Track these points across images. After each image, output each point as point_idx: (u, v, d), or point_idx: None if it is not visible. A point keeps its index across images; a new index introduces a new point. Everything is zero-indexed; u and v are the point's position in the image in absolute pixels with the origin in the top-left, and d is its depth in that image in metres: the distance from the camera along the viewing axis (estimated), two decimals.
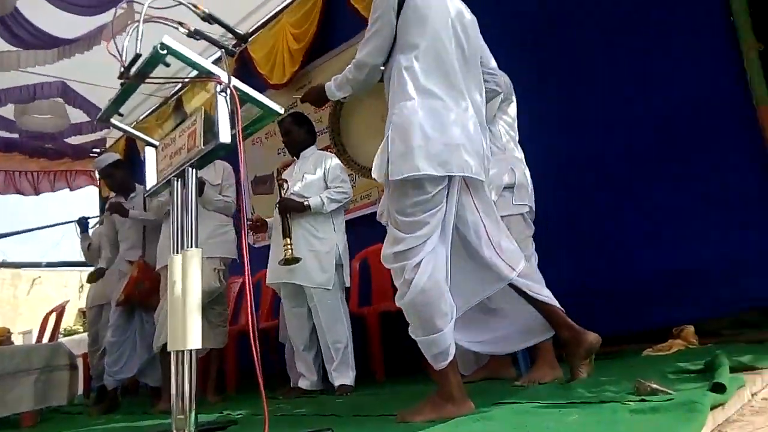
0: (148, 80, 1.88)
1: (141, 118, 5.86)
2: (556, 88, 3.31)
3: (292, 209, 3.18)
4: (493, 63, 2.25)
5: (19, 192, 6.81)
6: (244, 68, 5.11)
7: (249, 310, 1.74)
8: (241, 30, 5.40)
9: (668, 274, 2.83)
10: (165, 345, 3.49)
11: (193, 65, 1.80)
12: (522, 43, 3.35)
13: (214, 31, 2.22)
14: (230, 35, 2.18)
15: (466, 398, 1.82)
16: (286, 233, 3.13)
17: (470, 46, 2.06)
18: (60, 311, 5.13)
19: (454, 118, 1.89)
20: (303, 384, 3.24)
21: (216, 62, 1.92)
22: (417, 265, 1.82)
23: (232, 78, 1.84)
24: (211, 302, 3.44)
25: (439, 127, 1.86)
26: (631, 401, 1.55)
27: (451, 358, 1.83)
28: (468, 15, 2.13)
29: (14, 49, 4.59)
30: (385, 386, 3.12)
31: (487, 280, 2.01)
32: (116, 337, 3.74)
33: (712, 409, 1.39)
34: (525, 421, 1.49)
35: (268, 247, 3.47)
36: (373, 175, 1.96)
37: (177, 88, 5.48)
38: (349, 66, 2.08)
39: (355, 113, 2.09)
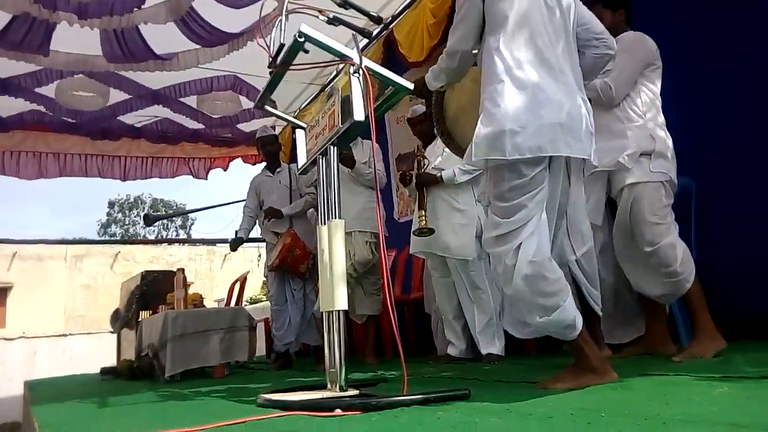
0: (292, 67, 2.07)
1: (303, 106, 6.33)
2: (710, 59, 3.05)
3: (427, 182, 3.26)
4: (601, 27, 2.09)
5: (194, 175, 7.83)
6: (390, 51, 5.26)
7: (385, 281, 1.86)
8: (387, 13, 5.56)
9: None
10: None
11: (328, 50, 1.92)
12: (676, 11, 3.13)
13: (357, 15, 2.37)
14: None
15: (609, 368, 1.76)
16: (422, 205, 3.23)
17: (564, 19, 1.94)
18: (242, 281, 5.82)
19: (549, 97, 1.79)
20: (452, 351, 3.34)
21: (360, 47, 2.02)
22: (517, 249, 1.76)
23: (364, 58, 1.95)
24: (365, 272, 3.68)
25: (532, 108, 1.76)
26: None
27: (579, 328, 1.78)
28: None
29: (193, 47, 5.21)
30: (535, 358, 3.10)
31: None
32: (278, 305, 4.17)
33: None
34: (666, 392, 1.42)
35: (412, 221, 3.60)
36: (466, 162, 1.94)
37: (332, 75, 5.88)
38: (442, 55, 2.04)
39: (460, 99, 2.20)
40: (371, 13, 2.33)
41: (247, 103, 6.57)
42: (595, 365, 1.75)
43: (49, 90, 5.73)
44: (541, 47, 1.85)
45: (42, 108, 6.10)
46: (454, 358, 3.30)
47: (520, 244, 1.76)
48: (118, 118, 6.64)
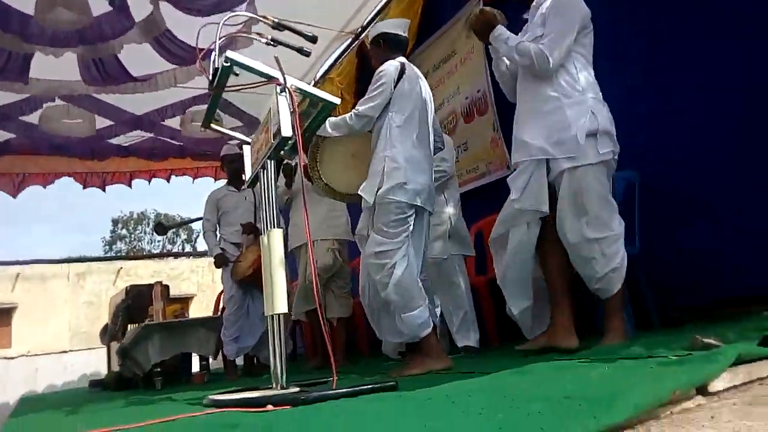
0: (226, 89, 2.21)
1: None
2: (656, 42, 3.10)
3: None
4: (438, 125, 2.93)
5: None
6: (364, 62, 5.41)
7: (315, 288, 2.00)
8: (357, 23, 5.71)
9: None
10: (305, 313, 3.96)
11: (254, 72, 2.06)
12: None
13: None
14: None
15: (445, 355, 2.56)
16: None
17: (431, 116, 2.78)
18: None
19: (425, 166, 2.62)
20: None
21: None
22: (393, 266, 2.45)
23: (290, 77, 2.08)
24: (333, 277, 3.84)
25: (417, 171, 2.56)
26: (677, 356, 1.51)
27: (430, 328, 2.49)
28: (431, 94, 2.83)
29: (171, 67, 5.34)
30: (498, 349, 3.20)
31: None
32: (239, 309, 4.20)
33: (750, 361, 1.33)
34: (556, 375, 1.54)
35: None
36: (362, 193, 2.60)
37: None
38: (350, 114, 2.66)
39: (331, 148, 2.88)
40: (305, 32, 2.48)
41: (229, 122, 6.70)
42: (434, 354, 2.48)
43: (33, 118, 5.87)
44: (424, 132, 2.67)
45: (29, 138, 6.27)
46: None
47: (395, 263, 2.46)
48: (106, 140, 6.80)
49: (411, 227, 2.55)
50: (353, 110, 2.68)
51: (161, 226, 5.60)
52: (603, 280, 2.30)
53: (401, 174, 2.52)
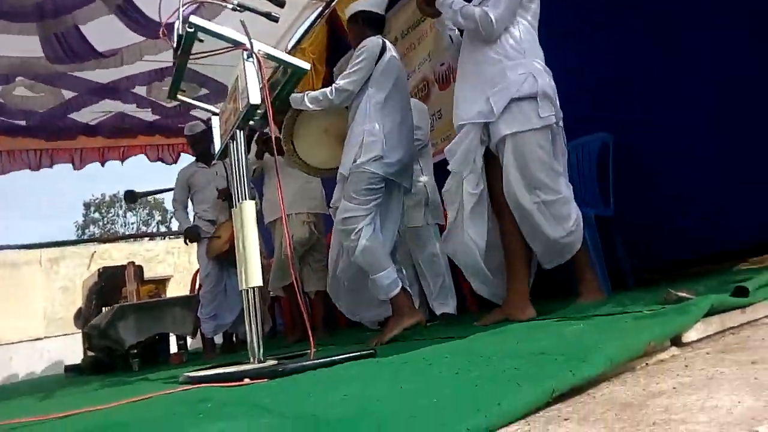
0: (191, 56, 2.13)
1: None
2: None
3: None
4: None
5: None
6: (334, 30, 5.30)
7: (290, 260, 1.96)
8: None
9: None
10: (283, 288, 3.94)
11: (220, 37, 1.99)
12: None
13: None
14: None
15: (417, 311, 2.66)
16: None
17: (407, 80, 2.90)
18: None
19: (402, 143, 2.67)
20: None
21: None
22: (359, 231, 2.53)
23: (258, 42, 2.01)
24: (309, 250, 3.81)
25: (394, 147, 2.61)
26: (651, 310, 1.53)
27: (399, 287, 2.54)
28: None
29: (136, 40, 5.15)
30: (476, 315, 3.22)
31: None
32: (216, 287, 4.14)
33: (723, 311, 1.35)
34: (532, 334, 1.54)
35: None
36: (341, 170, 2.65)
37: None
38: (330, 89, 2.67)
39: (306, 122, 2.90)
40: None
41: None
42: (407, 311, 2.53)
43: None
44: (403, 107, 2.74)
45: None
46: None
47: (361, 228, 2.53)
48: (71, 116, 6.56)
49: (380, 198, 2.61)
50: (333, 85, 2.68)
51: (131, 194, 5.44)
52: (557, 245, 2.27)
53: (379, 147, 2.57)
